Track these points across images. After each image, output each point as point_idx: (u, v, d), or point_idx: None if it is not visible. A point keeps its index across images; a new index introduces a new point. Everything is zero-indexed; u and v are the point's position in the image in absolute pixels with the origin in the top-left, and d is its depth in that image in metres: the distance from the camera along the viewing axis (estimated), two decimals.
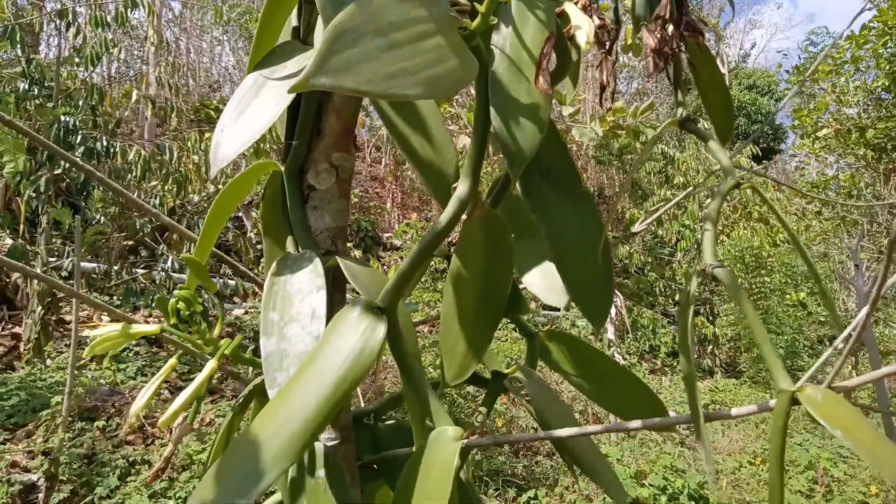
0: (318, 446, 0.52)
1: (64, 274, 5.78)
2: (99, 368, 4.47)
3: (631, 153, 11.06)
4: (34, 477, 3.32)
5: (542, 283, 0.60)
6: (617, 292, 7.10)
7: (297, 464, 0.51)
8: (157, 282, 4.68)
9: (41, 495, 3.23)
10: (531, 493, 3.79)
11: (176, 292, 0.49)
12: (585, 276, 0.56)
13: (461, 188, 0.47)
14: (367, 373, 0.45)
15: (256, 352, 0.55)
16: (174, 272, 4.78)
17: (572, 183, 0.58)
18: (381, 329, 0.46)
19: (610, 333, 6.27)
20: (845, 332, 0.44)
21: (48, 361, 4.52)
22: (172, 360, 0.52)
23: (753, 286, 8.69)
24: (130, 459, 3.51)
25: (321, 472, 0.51)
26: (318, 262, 0.54)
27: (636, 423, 0.46)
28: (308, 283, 0.53)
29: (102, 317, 5.35)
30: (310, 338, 0.50)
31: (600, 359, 0.70)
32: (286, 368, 0.49)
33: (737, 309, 9.07)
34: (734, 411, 0.45)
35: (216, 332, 0.51)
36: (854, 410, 0.38)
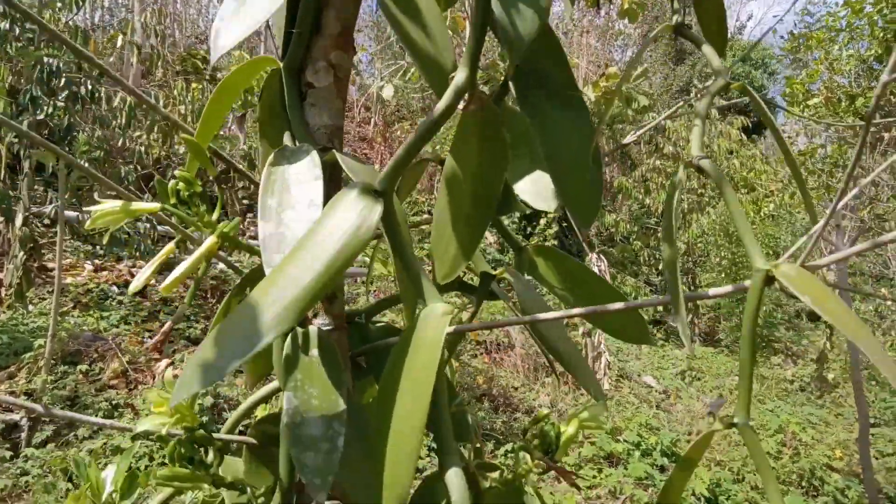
0: (313, 329, 0.54)
1: (46, 222, 5.72)
2: (82, 315, 4.46)
3: (623, 121, 11.05)
4: (17, 416, 3.34)
5: (533, 188, 0.62)
6: (602, 258, 7.17)
7: (291, 343, 0.53)
8: (142, 231, 4.65)
9: (24, 434, 3.26)
10: (509, 446, 3.88)
11: (177, 172, 0.50)
12: (577, 179, 0.58)
13: (459, 76, 0.48)
14: (363, 249, 0.47)
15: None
16: (158, 223, 4.75)
17: (568, 90, 0.60)
18: (377, 209, 0.47)
19: None
20: (819, 225, 0.46)
21: (30, 307, 4.50)
22: (170, 245, 0.53)
23: (737, 256, 8.80)
24: (114, 402, 3.54)
25: (315, 351, 0.53)
26: (315, 154, 0.55)
27: (618, 305, 0.48)
28: (306, 173, 0.54)
29: (86, 264, 5.32)
30: (307, 223, 0.51)
31: (585, 273, 0.72)
32: (283, 251, 0.50)
33: (718, 276, 9.19)
34: (711, 291, 0.48)
35: (215, 214, 0.52)
36: (824, 285, 0.40)
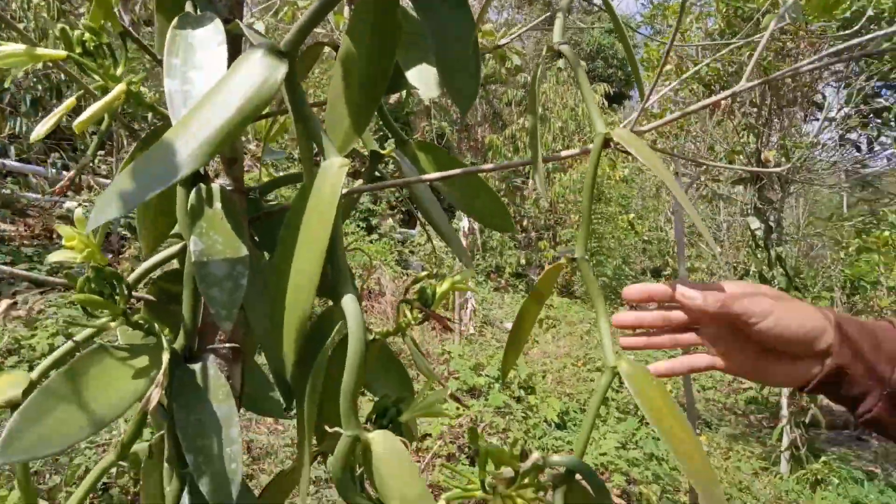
0: (215, 185, 0.58)
1: None
2: None
3: (496, 81, 11.32)
4: None
5: (420, 77, 0.69)
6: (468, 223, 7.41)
7: (196, 195, 0.57)
8: None
9: None
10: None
11: (82, 22, 0.51)
12: (460, 70, 0.65)
13: None
14: (268, 102, 0.52)
15: None
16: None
17: None
18: (282, 68, 0.52)
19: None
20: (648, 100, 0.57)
21: None
22: (72, 99, 0.55)
23: (594, 213, 9.42)
24: None
25: (217, 204, 0.57)
26: (218, 21, 0.58)
27: (489, 165, 0.57)
28: (210, 38, 0.57)
29: None
30: (213, 81, 0.55)
31: (461, 167, 0.81)
32: (189, 106, 0.54)
33: (576, 231, 9.80)
34: (563, 153, 0.58)
35: (120, 69, 0.54)
36: (647, 146, 0.51)
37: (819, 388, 0.57)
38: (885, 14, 3.22)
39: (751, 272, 3.89)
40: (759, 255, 3.84)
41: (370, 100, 0.64)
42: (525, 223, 11.94)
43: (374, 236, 8.53)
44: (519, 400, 4.08)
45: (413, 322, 0.67)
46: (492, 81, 11.48)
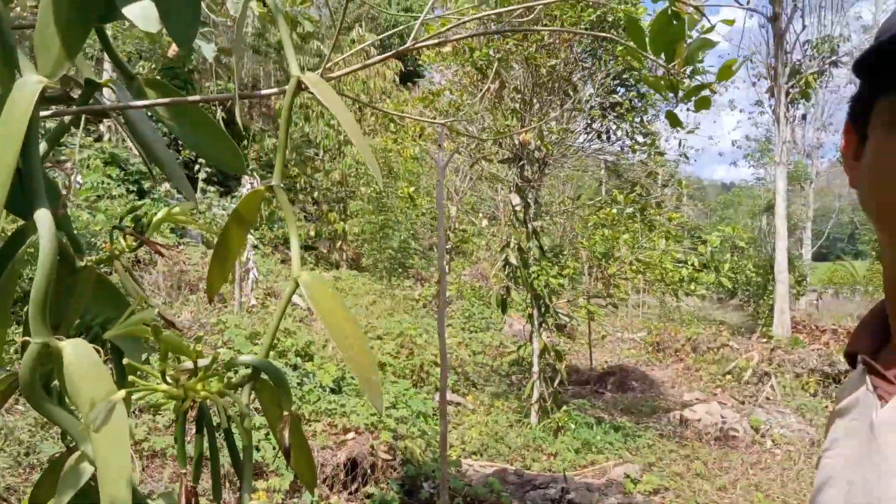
0: None
1: None
2: None
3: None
4: None
5: (140, 11, 0.70)
6: (255, 178, 7.20)
7: None
8: None
9: None
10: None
11: None
12: (174, 9, 0.68)
13: None
14: None
15: None
16: None
17: None
18: None
19: None
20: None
21: None
22: None
23: (385, 189, 9.62)
24: None
25: None
26: None
27: (196, 97, 0.62)
28: None
29: None
30: None
31: (194, 110, 0.83)
32: None
33: (367, 204, 9.95)
34: (264, 91, 0.64)
35: None
36: (332, 88, 0.60)
37: None
38: (621, 21, 3.75)
39: (511, 243, 4.33)
40: (518, 229, 4.29)
41: (81, 26, 0.64)
42: (316, 195, 11.84)
43: (147, 201, 7.87)
44: (295, 367, 4.11)
45: (126, 249, 0.69)
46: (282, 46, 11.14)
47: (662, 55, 0.74)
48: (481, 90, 4.18)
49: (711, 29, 0.76)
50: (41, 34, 0.65)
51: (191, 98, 0.63)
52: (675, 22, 0.71)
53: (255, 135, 11.42)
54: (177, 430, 0.57)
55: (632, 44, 0.82)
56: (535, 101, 4.20)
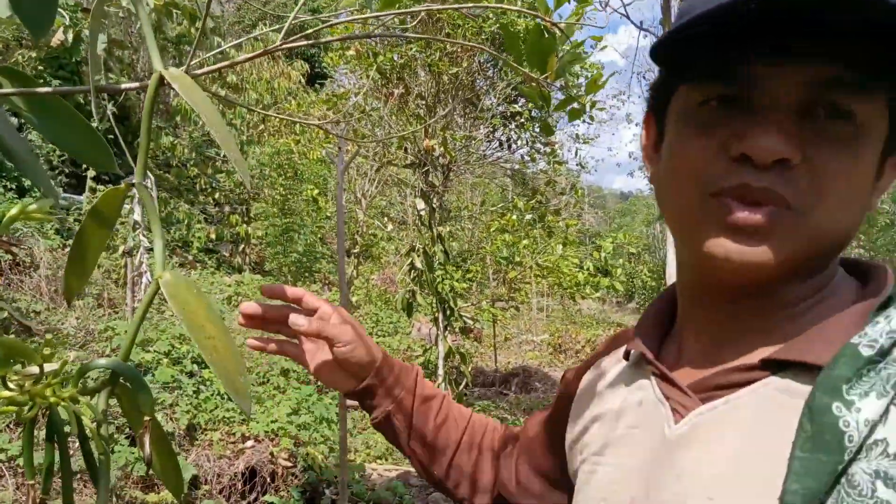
0: None
1: None
2: None
3: (190, 43, 10.54)
4: None
5: None
6: (149, 178, 6.85)
7: None
8: None
9: None
10: None
11: None
12: None
13: None
14: None
15: None
16: None
17: None
18: None
19: (136, 215, 6.07)
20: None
21: None
22: None
23: (289, 191, 9.45)
24: None
25: None
26: None
27: (78, 88, 0.59)
28: None
29: None
30: None
31: (51, 99, 0.79)
32: None
33: (270, 207, 9.70)
34: (123, 86, 0.62)
35: None
36: (196, 85, 0.59)
37: (354, 396, 0.80)
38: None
39: (416, 248, 4.36)
40: (423, 234, 4.32)
41: None
42: (217, 196, 11.41)
43: (28, 199, 7.31)
44: (191, 375, 3.95)
45: None
46: (185, 42, 10.70)
47: (536, 68, 0.78)
48: (385, 95, 4.19)
49: (579, 45, 0.81)
50: None
51: (44, 90, 0.60)
52: (546, 36, 0.75)
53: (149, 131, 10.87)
54: (24, 438, 0.54)
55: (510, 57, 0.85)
56: (438, 108, 4.25)
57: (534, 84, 0.81)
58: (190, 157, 10.77)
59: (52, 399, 0.51)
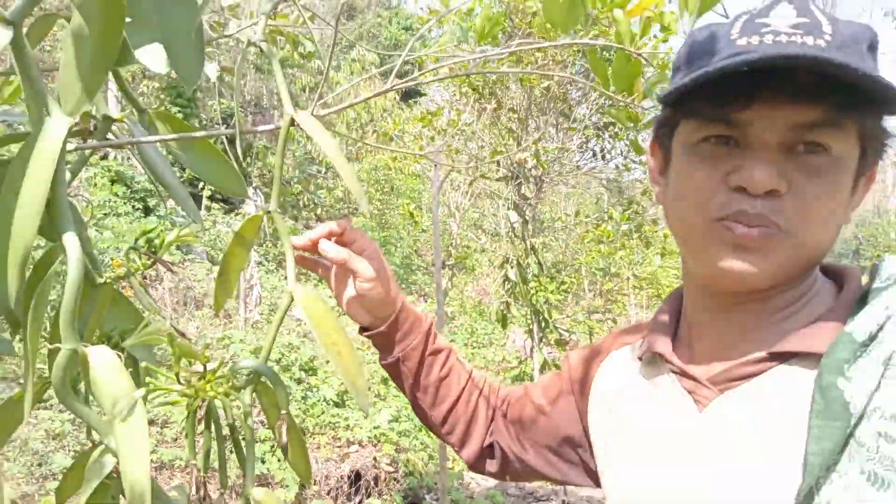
0: None
1: None
2: None
3: (293, 66, 11.16)
4: None
5: (151, 54, 0.79)
6: (258, 194, 7.31)
7: None
8: None
9: None
10: None
11: None
12: (181, 51, 0.77)
13: None
14: None
15: None
16: None
17: None
18: (7, 34, 0.60)
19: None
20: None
21: None
22: None
23: (383, 202, 9.74)
24: None
25: None
26: None
27: (199, 133, 0.70)
28: None
29: None
30: None
31: (201, 142, 0.92)
32: None
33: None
34: (260, 127, 0.73)
35: None
36: (322, 126, 0.68)
37: (368, 336, 0.84)
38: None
39: (510, 259, 4.41)
40: (517, 245, 4.37)
41: (100, 68, 0.73)
42: (319, 211, 11.96)
43: (153, 218, 7.99)
44: (300, 382, 4.18)
45: (142, 268, 0.77)
46: (288, 65, 11.31)
47: (623, 90, 0.82)
48: (478, 110, 4.28)
49: (666, 66, 0.85)
50: (65, 77, 0.74)
51: (197, 134, 0.72)
52: (631, 60, 0.79)
53: (258, 152, 11.57)
54: (188, 424, 0.65)
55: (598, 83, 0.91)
56: (530, 120, 4.29)
57: (621, 106, 0.86)
58: (294, 175, 11.37)
59: (212, 393, 0.62)
